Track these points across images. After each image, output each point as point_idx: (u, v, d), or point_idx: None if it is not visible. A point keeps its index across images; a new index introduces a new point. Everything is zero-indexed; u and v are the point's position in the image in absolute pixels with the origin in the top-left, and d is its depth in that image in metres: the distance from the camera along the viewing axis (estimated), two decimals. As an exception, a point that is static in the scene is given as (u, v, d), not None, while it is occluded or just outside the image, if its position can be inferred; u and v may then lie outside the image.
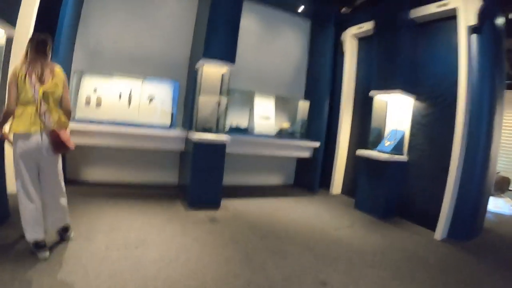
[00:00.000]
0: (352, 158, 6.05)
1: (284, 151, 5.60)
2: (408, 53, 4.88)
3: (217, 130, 4.68)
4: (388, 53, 5.00)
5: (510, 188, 7.57)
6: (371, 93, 5.17)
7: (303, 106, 6.14)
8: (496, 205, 6.64)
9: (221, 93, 4.73)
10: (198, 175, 4.33)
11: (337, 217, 4.69)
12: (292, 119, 6.23)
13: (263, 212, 4.51)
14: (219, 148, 4.36)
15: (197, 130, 4.49)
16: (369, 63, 5.81)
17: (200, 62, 4.43)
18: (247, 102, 5.69)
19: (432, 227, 4.39)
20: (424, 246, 3.95)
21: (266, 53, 6.03)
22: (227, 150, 4.53)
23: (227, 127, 5.28)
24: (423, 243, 4.03)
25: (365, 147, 5.49)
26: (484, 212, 4.66)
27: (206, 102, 4.60)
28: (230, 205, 4.63)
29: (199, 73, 4.56)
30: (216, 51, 4.42)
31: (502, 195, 7.54)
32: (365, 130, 5.81)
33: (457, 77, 4.27)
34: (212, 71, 4.67)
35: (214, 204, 4.48)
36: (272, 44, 6.11)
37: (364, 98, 5.91)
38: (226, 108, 4.77)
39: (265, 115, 5.61)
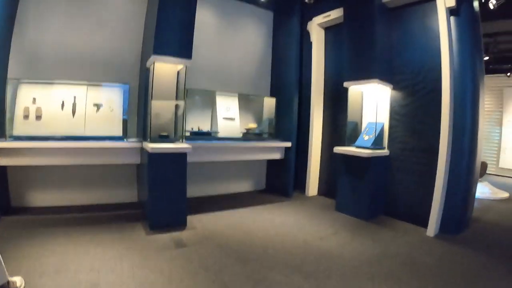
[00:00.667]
0: (327, 156, 5.62)
1: (252, 155, 5.03)
2: (382, 40, 4.49)
3: (175, 138, 4.03)
4: (361, 41, 4.58)
5: (487, 172, 7.45)
6: (346, 84, 4.73)
7: (270, 103, 5.61)
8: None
9: (177, 94, 4.08)
10: (156, 192, 3.66)
11: (319, 224, 4.20)
12: (259, 119, 5.69)
13: (236, 227, 3.92)
14: (179, 158, 3.71)
15: (152, 139, 3.82)
16: (339, 53, 5.44)
17: (151, 59, 3.78)
18: (208, 103, 5.09)
19: (422, 223, 4.12)
20: (419, 247, 3.58)
21: (226, 48, 5.43)
22: (189, 159, 3.91)
23: (187, 133, 4.65)
24: (417, 243, 3.66)
25: (341, 143, 5.06)
26: (473, 202, 4.36)
27: (160, 106, 3.93)
28: (198, 222, 4.00)
29: (151, 72, 3.89)
30: (169, 46, 3.78)
31: (480, 179, 7.41)
32: (339, 125, 5.41)
33: (437, 63, 3.99)
34: (165, 69, 4.02)
35: (179, 223, 3.83)
36: (232, 38, 5.52)
37: (335, 91, 5.50)
38: (185, 111, 4.15)
39: (229, 116, 5.02)
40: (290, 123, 5.37)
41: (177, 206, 3.79)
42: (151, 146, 3.52)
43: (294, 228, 4.00)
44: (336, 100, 5.48)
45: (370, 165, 4.34)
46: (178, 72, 4.13)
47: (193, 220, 4.05)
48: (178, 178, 3.74)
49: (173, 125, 4.05)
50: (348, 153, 4.47)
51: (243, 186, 5.76)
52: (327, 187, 5.67)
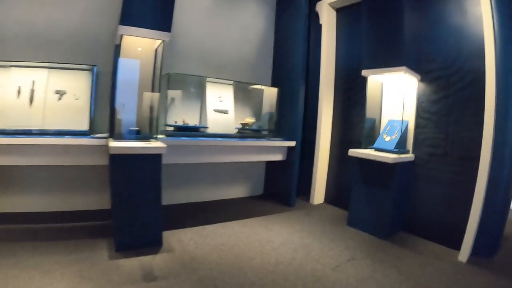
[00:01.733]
0: (337, 159, 4.79)
1: (249, 155, 4.17)
2: (409, 21, 3.65)
3: (150, 134, 3.20)
4: (384, 22, 3.72)
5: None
6: (364, 73, 3.88)
7: (271, 94, 4.74)
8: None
9: (154, 78, 3.24)
10: (121, 204, 2.82)
11: (330, 245, 3.38)
12: (258, 112, 4.83)
13: (225, 250, 3.09)
14: (151, 160, 2.85)
15: (117, 135, 2.99)
16: (354, 38, 4.63)
17: (119, 32, 2.94)
18: (197, 91, 4.23)
19: (451, 243, 3.42)
20: (454, 278, 2.82)
21: (221, 30, 4.55)
22: (171, 160, 3.10)
23: (170, 128, 3.83)
24: (451, 273, 2.92)
25: (354, 143, 4.27)
26: (506, 218, 3.59)
27: (131, 93, 3.09)
28: (177, 242, 3.17)
29: (120, 49, 3.06)
30: (142, 14, 2.96)
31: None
32: (352, 122, 4.59)
33: (477, 50, 3.27)
34: (139, 46, 3.18)
35: (152, 243, 3.01)
36: (229, 18, 4.62)
37: (348, 82, 4.67)
38: (166, 101, 3.33)
39: (221, 108, 4.16)
40: (295, 118, 4.50)
41: (150, 222, 2.96)
42: (113, 145, 2.68)
43: (299, 251, 3.18)
44: (349, 93, 4.64)
45: (394, 172, 3.52)
46: (156, 52, 3.28)
47: (171, 238, 3.24)
48: (150, 186, 2.90)
49: (147, 118, 3.20)
50: (368, 158, 3.63)
51: (236, 191, 4.93)
52: (335, 195, 4.85)
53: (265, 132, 4.69)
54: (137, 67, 3.25)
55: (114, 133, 3.08)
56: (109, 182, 2.83)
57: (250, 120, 4.47)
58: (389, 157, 3.35)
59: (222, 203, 4.58)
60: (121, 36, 3.05)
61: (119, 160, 2.73)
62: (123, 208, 2.83)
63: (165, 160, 3.27)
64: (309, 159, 4.93)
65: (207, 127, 3.98)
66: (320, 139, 4.72)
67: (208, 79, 4.12)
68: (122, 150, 2.69)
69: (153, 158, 2.82)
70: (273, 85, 4.94)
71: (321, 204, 4.95)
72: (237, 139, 3.99)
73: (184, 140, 3.49)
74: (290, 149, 4.51)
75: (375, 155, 3.50)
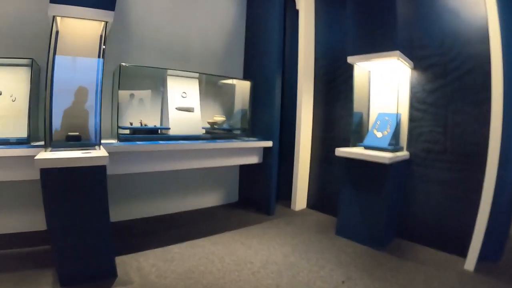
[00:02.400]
0: (319, 158, 4.28)
1: (219, 159, 3.56)
2: (399, 0, 3.20)
3: (95, 140, 2.55)
4: (373, 2, 3.25)
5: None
6: (350, 60, 3.38)
7: (243, 89, 4.16)
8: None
9: (98, 70, 2.58)
10: (60, 227, 2.18)
11: (320, 262, 2.85)
12: (229, 110, 4.26)
13: (195, 278, 2.48)
14: (92, 173, 2.21)
15: (52, 143, 2.34)
16: (335, 23, 4.16)
17: (50, 12, 2.30)
18: (155, 86, 3.59)
19: (454, 249, 3.04)
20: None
21: (184, 16, 3.92)
22: (125, 169, 2.51)
23: (124, 131, 3.20)
24: (460, 286, 2.47)
25: (339, 141, 3.80)
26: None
27: (67, 90, 2.44)
28: (136, 270, 2.54)
29: (53, 36, 2.40)
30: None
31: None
32: (334, 117, 4.10)
33: (478, 34, 2.89)
34: (78, 31, 2.53)
35: (104, 274, 2.38)
36: (193, 2, 4.00)
37: (330, 73, 4.17)
38: (117, 99, 2.71)
39: (185, 106, 3.53)
40: (271, 115, 3.93)
41: (98, 247, 2.32)
42: (40, 157, 2.03)
43: (284, 274, 2.62)
44: (331, 84, 4.14)
45: (389, 173, 3.03)
46: (101, 38, 2.64)
47: (128, 264, 2.61)
48: (93, 204, 2.26)
49: (86, 120, 2.54)
50: (359, 158, 3.12)
51: (207, 199, 4.32)
52: (319, 199, 4.34)
53: (237, 132, 4.11)
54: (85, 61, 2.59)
55: (50, 141, 2.41)
56: (43, 202, 2.18)
57: (219, 118, 3.89)
58: (386, 156, 2.85)
59: (190, 215, 3.97)
60: (54, 18, 2.40)
61: (51, 175, 2.08)
62: (63, 233, 2.18)
63: (117, 170, 2.69)
64: (288, 160, 4.40)
65: (168, 128, 3.36)
66: (300, 138, 4.17)
67: (169, 72, 3.48)
68: (51, 163, 2.04)
69: (94, 171, 2.18)
70: (245, 78, 4.36)
71: (303, 210, 4.42)
72: (204, 141, 3.37)
73: (139, 145, 2.85)
74: (266, 150, 3.95)
75: (369, 155, 2.99)
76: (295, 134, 4.23)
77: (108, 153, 2.31)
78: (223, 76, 4.18)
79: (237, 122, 4.19)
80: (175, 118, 3.40)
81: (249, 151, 3.81)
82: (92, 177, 2.20)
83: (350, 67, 3.54)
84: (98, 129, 2.57)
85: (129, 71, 3.15)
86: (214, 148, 3.40)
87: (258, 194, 4.20)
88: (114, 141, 2.92)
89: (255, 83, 4.07)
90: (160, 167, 3.12)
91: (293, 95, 4.31)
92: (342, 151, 3.23)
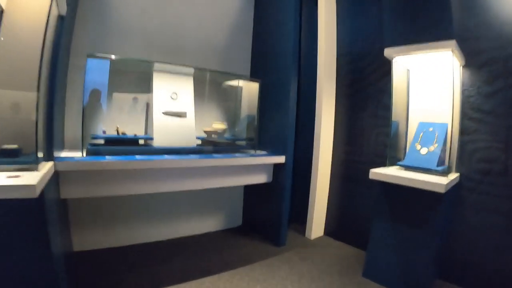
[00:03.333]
0: (342, 176, 3.51)
1: (218, 179, 2.81)
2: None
3: (43, 156, 1.83)
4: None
5: None
6: (388, 52, 2.62)
7: (250, 90, 3.42)
8: None
9: (41, 64, 1.86)
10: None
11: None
12: (231, 116, 3.53)
13: None
14: (24, 207, 1.48)
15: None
16: (362, 11, 3.37)
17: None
18: (138, 84, 2.88)
19: None
20: None
21: (178, 0, 3.22)
22: (91, 193, 1.91)
23: (97, 141, 2.50)
24: None
25: (366, 157, 3.07)
26: None
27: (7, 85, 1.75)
28: None
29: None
30: None
31: None
32: (361, 127, 3.34)
33: None
34: (24, 10, 1.84)
35: None
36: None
37: (355, 72, 3.42)
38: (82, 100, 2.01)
39: (175, 109, 2.79)
40: (285, 123, 3.16)
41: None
42: None
43: None
44: (357, 87, 3.38)
45: (441, 203, 2.26)
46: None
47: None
48: (29, 246, 1.54)
49: (41, 127, 1.82)
50: (405, 184, 2.32)
51: (204, 223, 3.57)
52: (340, 225, 3.57)
53: (241, 143, 3.36)
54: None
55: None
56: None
57: (219, 126, 3.15)
58: (441, 183, 2.07)
59: (182, 244, 3.23)
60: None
61: None
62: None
63: (79, 192, 1.99)
64: (303, 177, 3.65)
65: (151, 138, 2.63)
66: (319, 151, 3.39)
67: (156, 66, 2.75)
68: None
69: (25, 204, 1.45)
70: (252, 76, 3.62)
71: (321, 238, 3.64)
72: (198, 156, 2.63)
73: (109, 162, 2.13)
74: (277, 166, 3.19)
75: (419, 181, 2.18)
76: (313, 146, 3.44)
77: (67, 171, 1.61)
78: (225, 73, 3.42)
79: (241, 131, 3.46)
80: (161, 125, 2.67)
81: (256, 168, 3.05)
82: (22, 211, 1.48)
83: (382, 65, 2.81)
84: (47, 139, 1.87)
85: (102, 64, 2.45)
86: (211, 165, 2.66)
87: (266, 218, 3.44)
88: (74, 155, 2.21)
89: (264, 84, 3.30)
90: (138, 189, 2.40)
91: (309, 100, 3.56)
92: (379, 174, 2.44)
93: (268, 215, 3.38)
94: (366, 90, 3.27)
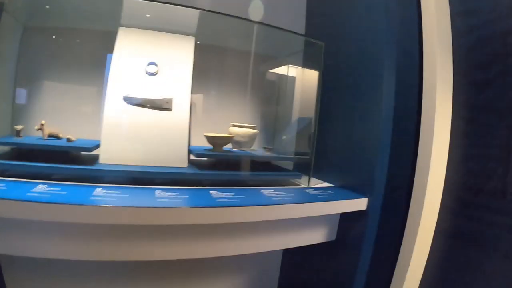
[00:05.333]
0: (453, 235, 1.85)
1: (233, 242, 1.29)
2: None
3: None
4: None
5: None
6: None
7: (302, 77, 1.94)
8: None
9: None
10: None
11: None
12: (263, 115, 2.04)
13: None
14: None
15: None
16: None
17: None
18: (91, 52, 1.57)
19: None
20: None
21: None
22: None
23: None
24: None
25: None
26: None
27: None
28: None
29: None
30: None
31: None
32: (502, 145, 1.69)
33: None
34: None
35: None
36: None
37: (488, 44, 1.79)
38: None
39: (150, 94, 1.42)
40: (370, 140, 1.58)
41: None
42: None
43: None
44: (497, 71, 1.77)
45: None
46: None
47: None
48: None
49: None
50: None
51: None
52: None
53: (281, 163, 1.86)
54: None
55: None
56: None
57: (241, 131, 1.70)
58: None
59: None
60: None
61: None
62: None
63: None
64: (382, 227, 2.06)
65: (89, 148, 1.29)
66: (425, 189, 1.76)
67: (124, 16, 1.44)
68: None
69: None
70: (306, 59, 2.09)
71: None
72: (192, 191, 1.24)
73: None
74: (351, 216, 1.63)
75: None
76: (413, 178, 1.84)
77: None
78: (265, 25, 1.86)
79: (282, 142, 1.99)
80: (116, 122, 1.34)
81: (311, 220, 1.53)
82: None
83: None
84: None
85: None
86: (233, 221, 1.20)
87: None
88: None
89: (330, 69, 1.82)
90: (64, 252, 1.07)
91: (410, 103, 1.95)
92: None
93: (325, 284, 1.84)
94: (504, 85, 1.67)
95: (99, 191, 1.09)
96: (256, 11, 1.73)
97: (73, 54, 1.62)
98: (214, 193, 1.22)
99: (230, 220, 1.09)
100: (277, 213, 1.20)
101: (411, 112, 1.81)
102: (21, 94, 1.54)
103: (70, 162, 1.27)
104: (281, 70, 1.96)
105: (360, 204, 1.50)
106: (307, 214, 1.30)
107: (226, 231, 1.23)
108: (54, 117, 1.54)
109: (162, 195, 1.12)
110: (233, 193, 1.24)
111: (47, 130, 1.38)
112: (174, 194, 1.14)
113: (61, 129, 1.43)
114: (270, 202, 1.19)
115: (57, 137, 1.41)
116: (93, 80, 1.60)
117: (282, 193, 1.36)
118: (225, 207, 1.07)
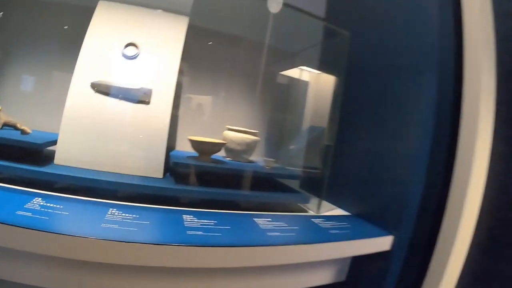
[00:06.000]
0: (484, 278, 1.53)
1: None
2: None
3: None
4: None
5: None
6: None
7: (318, 80, 1.64)
8: None
9: None
10: None
11: None
12: (270, 125, 1.73)
13: None
14: None
15: None
16: None
17: None
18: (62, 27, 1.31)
19: None
20: None
21: None
22: None
23: None
24: None
25: None
26: None
27: None
28: None
29: None
30: None
31: None
32: None
33: None
34: None
35: None
36: None
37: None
38: None
39: (125, 81, 1.13)
40: (400, 160, 1.24)
41: None
42: None
43: None
44: None
45: None
46: None
47: None
48: None
49: None
50: None
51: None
52: None
53: (285, 183, 1.52)
54: None
55: None
56: None
57: (239, 137, 1.39)
58: None
59: None
60: None
61: None
62: None
63: None
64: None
65: (40, 145, 1.01)
66: (459, 221, 1.43)
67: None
68: None
69: None
70: (325, 54, 1.76)
71: None
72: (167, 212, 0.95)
73: None
74: (370, 258, 1.28)
75: None
76: (446, 209, 1.49)
77: None
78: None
79: (289, 155, 1.67)
80: (79, 115, 1.05)
81: (317, 264, 1.18)
82: None
83: None
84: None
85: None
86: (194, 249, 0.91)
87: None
88: None
89: (352, 68, 1.46)
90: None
91: (447, 116, 1.61)
92: None
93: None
94: None
95: (35, 202, 0.80)
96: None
97: (45, 30, 1.35)
98: (187, 218, 0.90)
99: (200, 264, 0.77)
100: (272, 257, 0.87)
101: (448, 129, 1.45)
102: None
103: (22, 159, 0.99)
104: (293, 66, 1.65)
105: (383, 243, 1.15)
106: (314, 259, 0.97)
107: (202, 272, 0.90)
108: (17, 104, 1.28)
109: (113, 217, 0.81)
110: (214, 221, 0.92)
111: (3, 118, 1.11)
112: (130, 216, 0.83)
113: (22, 118, 1.16)
114: (263, 241, 0.86)
115: (15, 128, 1.14)
116: (67, 62, 1.32)
117: (282, 224, 1.03)
118: (194, 247, 0.74)
